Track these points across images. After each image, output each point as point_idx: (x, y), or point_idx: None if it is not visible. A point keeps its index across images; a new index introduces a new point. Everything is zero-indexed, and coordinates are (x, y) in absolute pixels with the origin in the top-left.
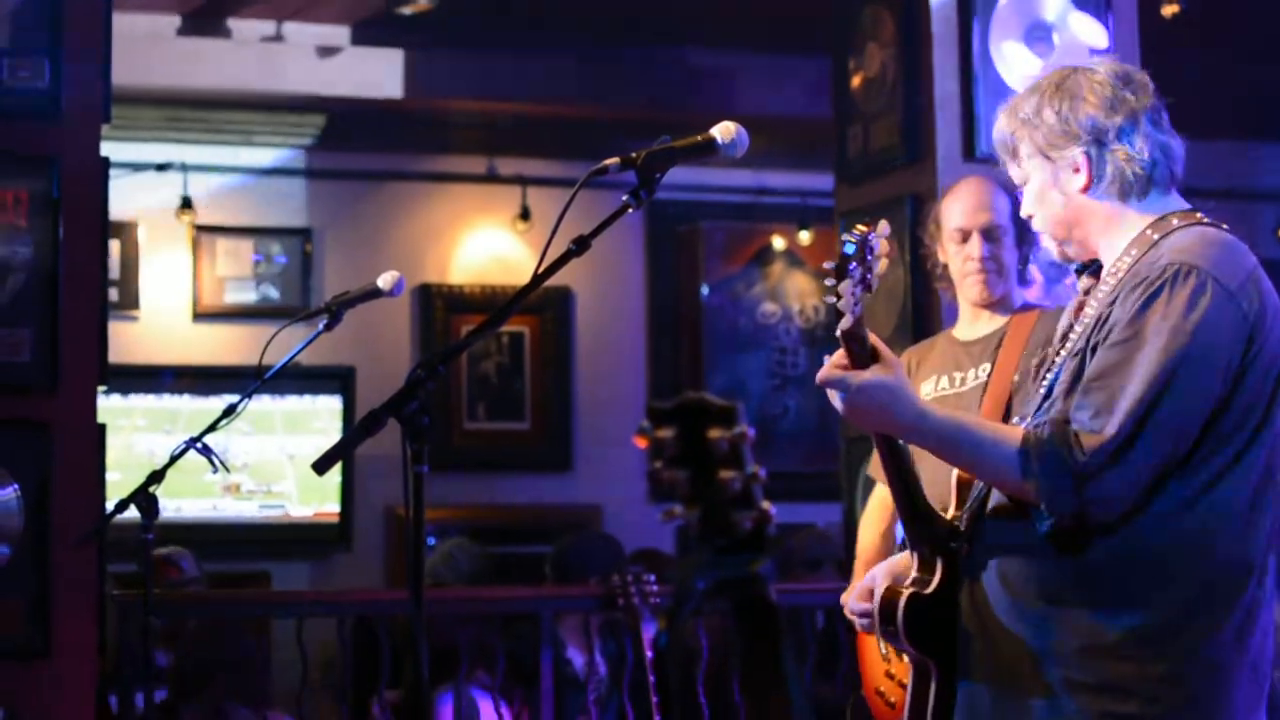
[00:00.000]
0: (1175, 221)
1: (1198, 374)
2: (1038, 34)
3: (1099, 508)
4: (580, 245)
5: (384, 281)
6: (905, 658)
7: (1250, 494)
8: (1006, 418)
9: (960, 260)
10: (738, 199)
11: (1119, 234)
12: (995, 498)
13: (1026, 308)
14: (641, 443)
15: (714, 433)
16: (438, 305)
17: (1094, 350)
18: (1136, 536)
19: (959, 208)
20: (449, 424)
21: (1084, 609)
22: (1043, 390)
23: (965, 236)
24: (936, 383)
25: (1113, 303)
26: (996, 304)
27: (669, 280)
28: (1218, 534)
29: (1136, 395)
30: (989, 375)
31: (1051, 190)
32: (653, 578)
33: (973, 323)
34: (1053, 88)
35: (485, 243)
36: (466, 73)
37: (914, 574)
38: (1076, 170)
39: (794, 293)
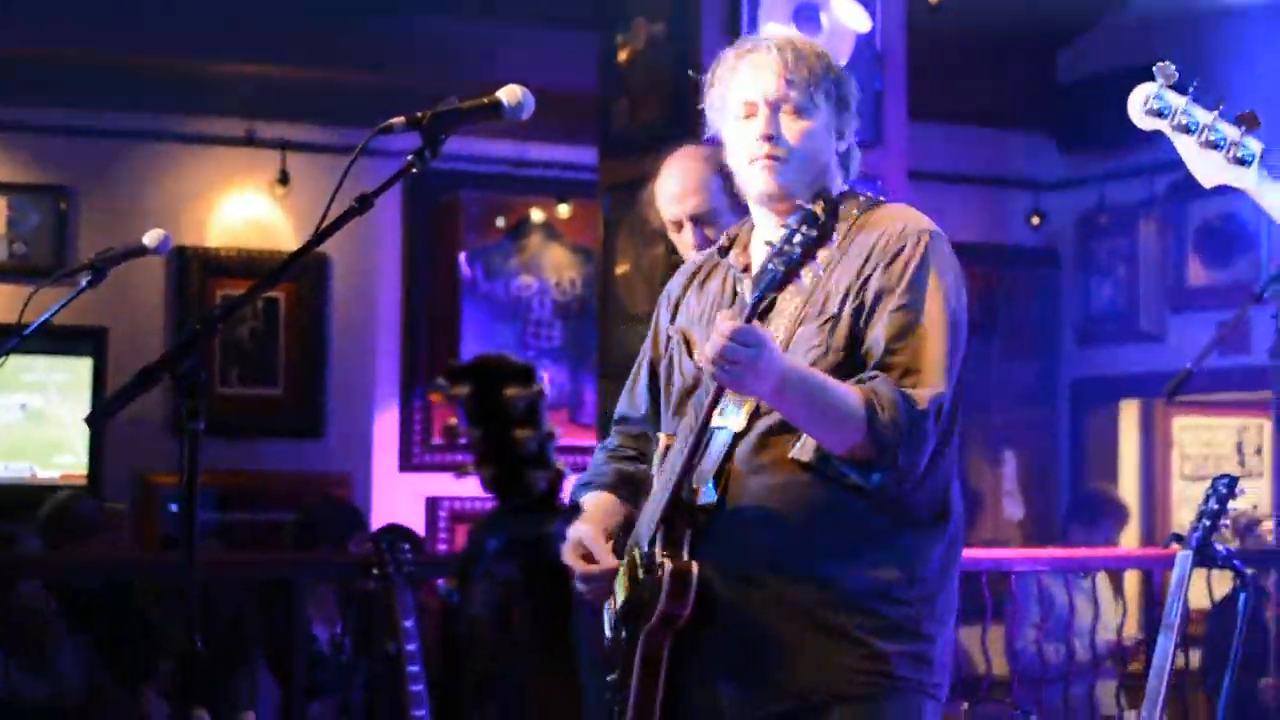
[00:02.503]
0: (860, 198)
1: (964, 328)
2: (806, 14)
3: (923, 459)
4: (362, 203)
5: (150, 239)
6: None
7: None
8: None
9: (680, 247)
10: (497, 170)
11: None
12: (750, 463)
13: None
14: (436, 399)
15: (510, 391)
16: (194, 268)
17: (855, 316)
18: (931, 484)
19: (668, 195)
20: None
21: (888, 557)
22: None
23: (678, 225)
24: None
25: (861, 273)
26: None
27: (426, 250)
28: (954, 472)
29: (940, 353)
30: None
31: (827, 137)
32: (407, 547)
33: None
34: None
35: (243, 206)
36: (227, 34)
37: (660, 548)
38: (841, 136)
39: (550, 266)
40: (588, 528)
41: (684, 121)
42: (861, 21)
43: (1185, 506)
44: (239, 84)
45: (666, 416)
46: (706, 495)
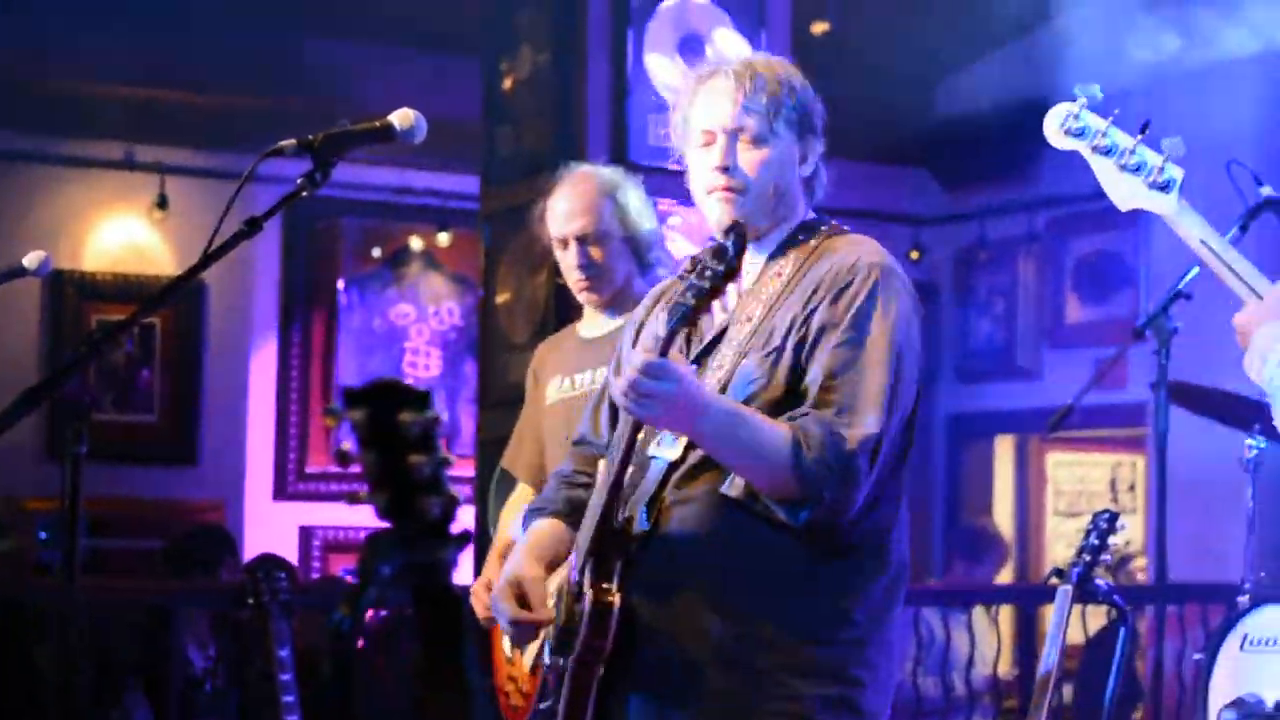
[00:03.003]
0: (823, 228)
1: (911, 364)
2: (691, 45)
3: (857, 497)
4: (252, 226)
5: (30, 261)
6: (525, 663)
7: (902, 482)
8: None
9: (563, 266)
10: (377, 197)
11: (788, 226)
12: (681, 494)
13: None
14: (330, 423)
15: (405, 416)
16: (69, 292)
17: (798, 350)
18: (868, 524)
19: (558, 212)
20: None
21: (814, 597)
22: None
23: (564, 244)
24: (559, 384)
25: (807, 305)
26: (609, 305)
27: (304, 277)
28: (900, 522)
29: (879, 393)
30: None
31: (789, 164)
32: (283, 575)
33: (594, 319)
34: (801, 77)
35: (121, 230)
36: (106, 56)
37: (590, 581)
38: (803, 160)
39: (429, 294)
40: (528, 569)
41: (568, 150)
42: (743, 54)
43: (1059, 542)
44: (117, 107)
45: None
46: (640, 523)
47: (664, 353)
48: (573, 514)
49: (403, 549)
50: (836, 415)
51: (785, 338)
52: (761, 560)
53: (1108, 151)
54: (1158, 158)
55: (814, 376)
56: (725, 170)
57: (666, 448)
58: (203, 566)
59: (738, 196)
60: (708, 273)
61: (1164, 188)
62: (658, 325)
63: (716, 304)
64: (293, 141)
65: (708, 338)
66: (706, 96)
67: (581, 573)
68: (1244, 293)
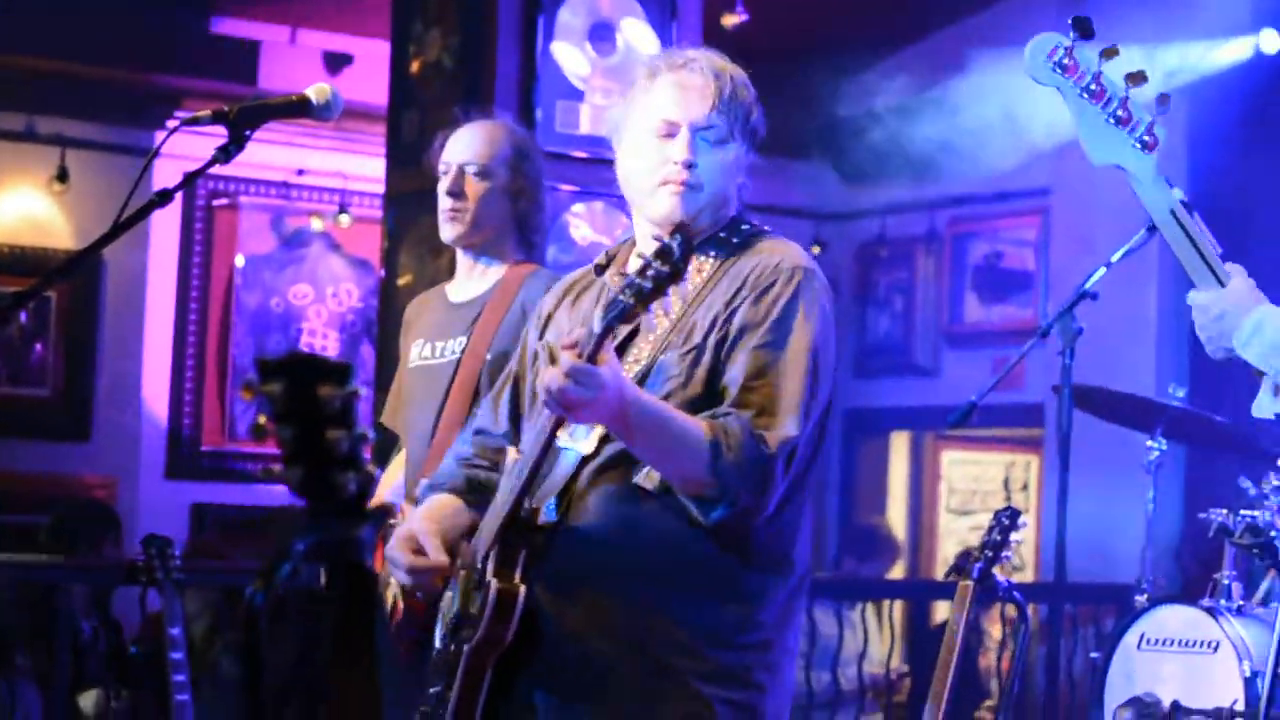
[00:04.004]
0: (744, 227)
1: (828, 371)
2: (602, 34)
3: (772, 500)
4: (163, 198)
5: None
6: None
7: (809, 487)
8: (475, 400)
9: (439, 195)
10: (278, 177)
11: (715, 226)
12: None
13: (521, 263)
14: (247, 395)
15: (324, 390)
16: None
17: (718, 348)
18: (775, 527)
19: (458, 139)
20: None
21: (721, 599)
22: None
23: (447, 171)
24: (421, 348)
25: (729, 305)
26: (475, 248)
27: (202, 254)
28: (805, 526)
29: (798, 396)
30: (462, 351)
31: (738, 171)
32: (177, 553)
33: (466, 278)
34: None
35: (19, 203)
36: (7, 25)
37: (494, 569)
38: (742, 169)
39: (327, 276)
40: (423, 524)
41: None
42: (651, 45)
43: (951, 539)
44: (19, 77)
45: (528, 430)
46: (547, 514)
47: (596, 350)
48: (471, 493)
49: (317, 525)
50: (756, 417)
51: (706, 336)
52: (672, 556)
53: (1095, 96)
54: (1147, 114)
55: (733, 377)
56: (689, 165)
57: (579, 440)
58: (86, 543)
59: (691, 193)
60: (650, 272)
61: (1147, 147)
62: (592, 320)
63: (656, 305)
64: (208, 112)
65: (623, 331)
66: (677, 88)
67: (484, 560)
68: (1202, 272)
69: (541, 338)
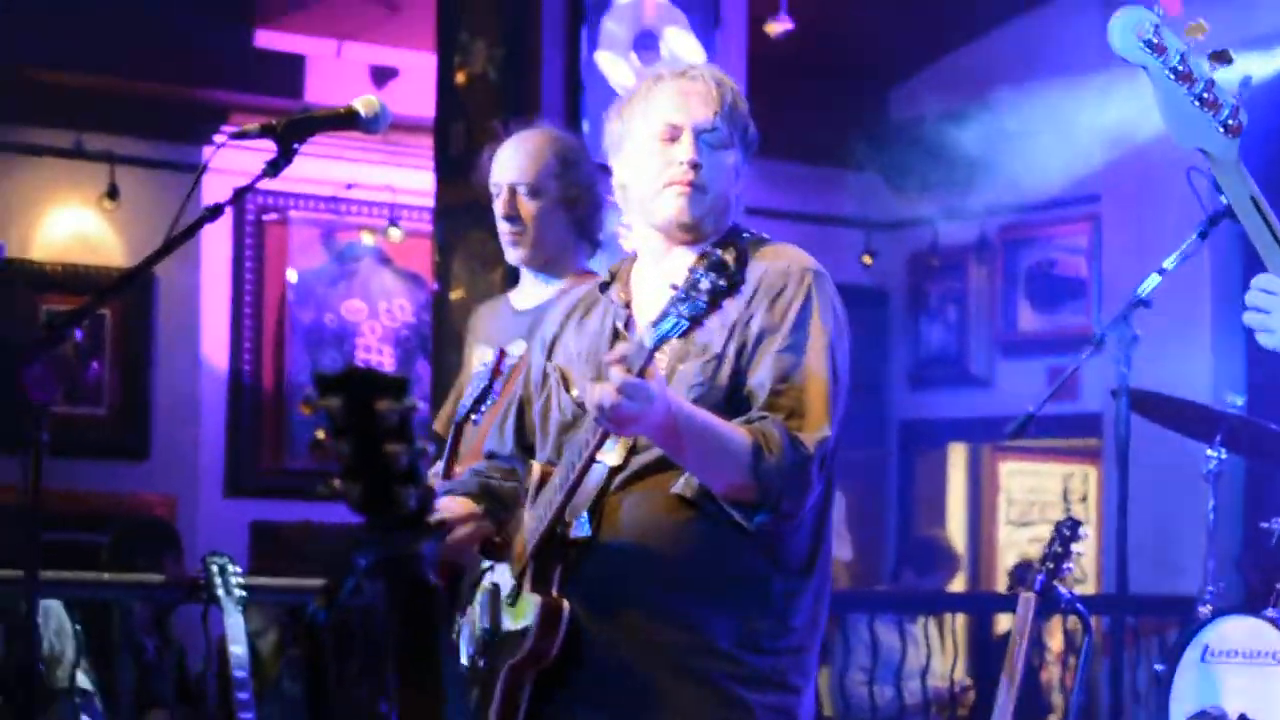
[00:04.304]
0: (745, 235)
1: (846, 371)
2: (646, 43)
3: (808, 501)
4: (214, 212)
5: None
6: None
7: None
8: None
9: (496, 218)
10: (328, 192)
11: (717, 234)
12: (625, 499)
13: (585, 273)
14: (306, 410)
15: (382, 405)
16: (17, 282)
17: (738, 355)
18: (802, 530)
19: (502, 159)
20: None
21: (759, 604)
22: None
23: (499, 192)
24: (483, 355)
25: (744, 311)
26: (540, 267)
27: (255, 271)
28: (828, 529)
29: (824, 396)
30: (520, 357)
31: (737, 176)
32: (238, 570)
33: (531, 286)
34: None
35: (70, 220)
36: (58, 43)
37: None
38: (739, 175)
39: (379, 291)
40: (448, 504)
41: None
42: (695, 54)
43: (1011, 551)
44: (66, 95)
45: (544, 452)
46: (579, 529)
47: (645, 365)
48: (485, 497)
49: (377, 541)
50: (788, 419)
51: (725, 344)
52: (707, 565)
53: (1182, 78)
54: (1231, 98)
55: (760, 382)
56: (695, 166)
57: (607, 452)
58: (146, 561)
59: (697, 194)
60: (705, 285)
61: (1230, 131)
62: (642, 336)
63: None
64: (256, 125)
65: (633, 338)
66: (679, 93)
67: (521, 576)
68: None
69: (549, 359)
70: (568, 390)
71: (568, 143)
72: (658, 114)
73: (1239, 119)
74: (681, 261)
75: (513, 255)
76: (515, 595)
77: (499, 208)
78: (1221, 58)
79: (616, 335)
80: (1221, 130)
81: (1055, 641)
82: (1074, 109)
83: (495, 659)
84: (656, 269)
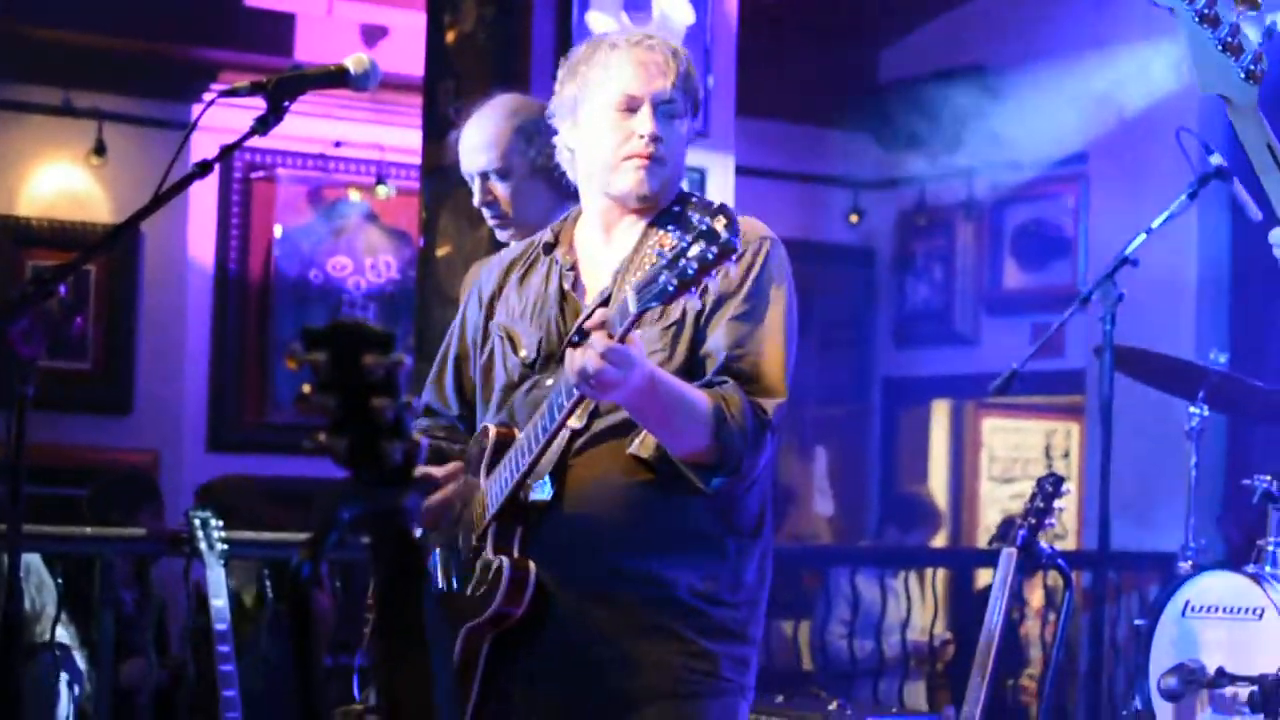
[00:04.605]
0: (693, 200)
1: (795, 337)
2: (637, 3)
3: (761, 463)
4: (204, 169)
5: None
6: None
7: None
8: None
9: (475, 202)
10: (315, 149)
11: (668, 199)
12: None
13: None
14: (292, 365)
15: (369, 358)
16: (3, 238)
17: (696, 320)
18: (753, 490)
19: (467, 145)
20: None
21: (715, 561)
22: None
23: (472, 180)
24: None
25: None
26: (532, 235)
27: (240, 227)
28: (769, 489)
29: (780, 361)
30: None
31: (687, 142)
32: (219, 524)
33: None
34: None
35: (57, 177)
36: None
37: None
38: (688, 139)
39: (366, 247)
40: None
41: None
42: (686, 14)
43: (993, 507)
44: (56, 51)
45: (485, 411)
46: (538, 492)
47: (627, 332)
48: (435, 458)
49: (363, 495)
50: (746, 384)
51: (683, 309)
52: (669, 524)
53: (1209, 21)
54: (1255, 44)
55: (716, 346)
56: (655, 139)
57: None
58: (121, 514)
59: (656, 166)
60: (694, 253)
61: (1252, 78)
62: (625, 300)
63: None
64: (246, 83)
65: (592, 306)
66: (638, 64)
67: (481, 539)
68: None
69: (489, 318)
70: (515, 351)
71: (527, 112)
72: (615, 84)
73: (1261, 66)
74: (632, 230)
75: (503, 236)
76: (473, 557)
77: (475, 197)
78: (1249, 1)
79: (564, 296)
80: (1243, 76)
81: (1035, 597)
82: (1064, 69)
83: (449, 622)
84: (605, 239)
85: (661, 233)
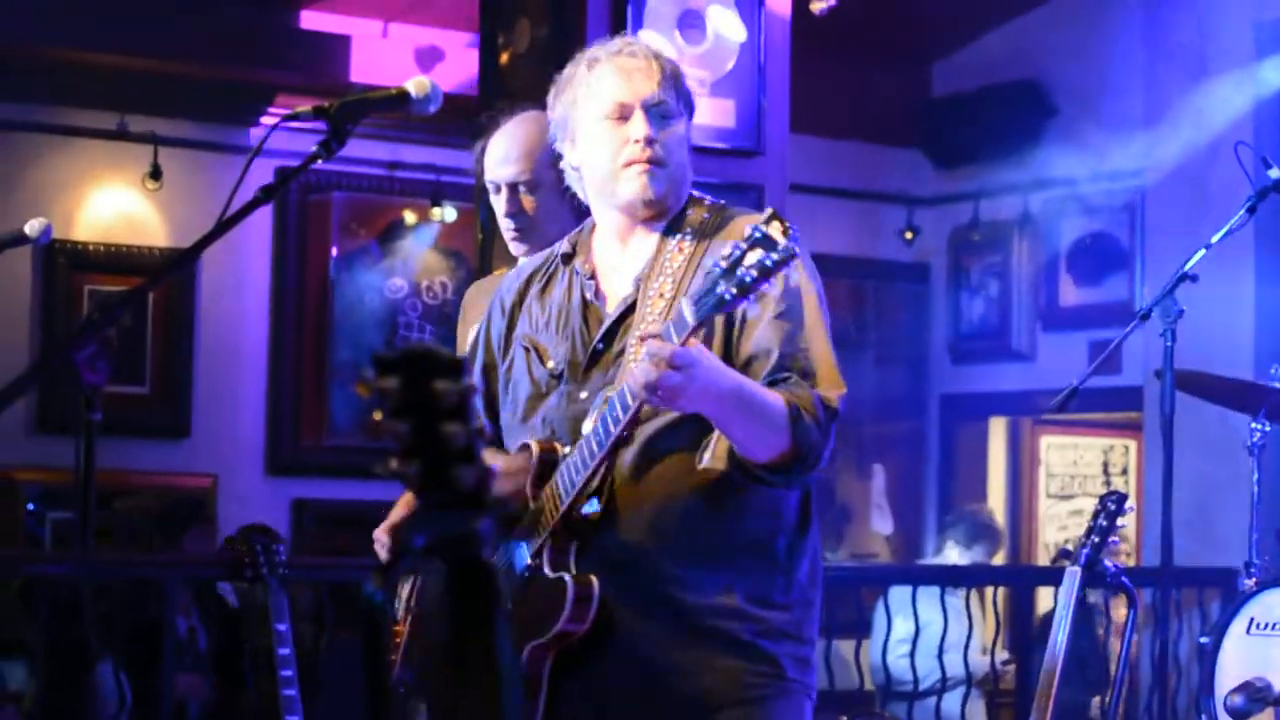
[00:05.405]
0: (706, 202)
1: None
2: (690, 21)
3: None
4: (268, 194)
5: (31, 228)
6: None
7: None
8: None
9: (495, 212)
10: (371, 171)
11: (679, 203)
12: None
13: None
14: (363, 391)
15: (440, 384)
16: (61, 262)
17: (728, 323)
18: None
19: (494, 156)
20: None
21: (771, 562)
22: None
23: (497, 189)
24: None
25: None
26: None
27: (296, 250)
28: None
29: (829, 355)
30: None
31: (688, 141)
32: (281, 547)
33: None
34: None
35: (113, 201)
36: (100, 24)
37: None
38: (688, 141)
39: (422, 269)
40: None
41: None
42: (738, 32)
43: (1051, 524)
44: (110, 77)
45: (511, 422)
46: (589, 505)
47: (686, 340)
48: None
49: (434, 521)
50: (809, 379)
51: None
52: (719, 530)
53: None
54: None
55: (766, 345)
56: (651, 141)
57: None
58: (172, 535)
59: (658, 169)
60: (753, 260)
61: None
62: (682, 310)
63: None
64: (309, 107)
65: (613, 315)
66: (620, 72)
67: (536, 556)
68: None
69: (512, 328)
70: (543, 362)
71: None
72: (603, 95)
73: None
74: (648, 238)
75: (517, 250)
76: (534, 576)
77: (501, 205)
78: None
79: (586, 305)
80: None
81: (1120, 615)
82: (1117, 82)
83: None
84: (622, 249)
85: (690, 242)
